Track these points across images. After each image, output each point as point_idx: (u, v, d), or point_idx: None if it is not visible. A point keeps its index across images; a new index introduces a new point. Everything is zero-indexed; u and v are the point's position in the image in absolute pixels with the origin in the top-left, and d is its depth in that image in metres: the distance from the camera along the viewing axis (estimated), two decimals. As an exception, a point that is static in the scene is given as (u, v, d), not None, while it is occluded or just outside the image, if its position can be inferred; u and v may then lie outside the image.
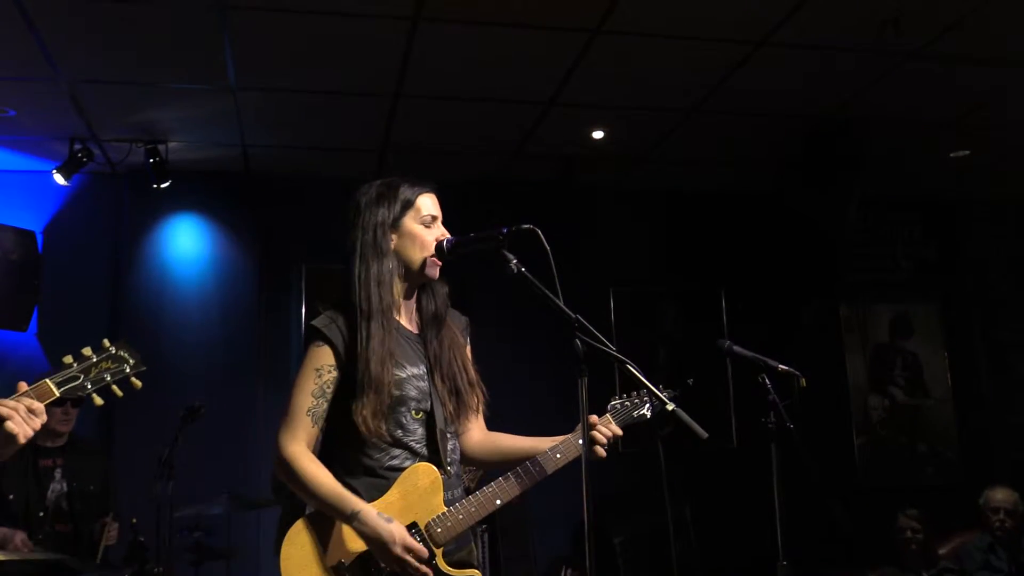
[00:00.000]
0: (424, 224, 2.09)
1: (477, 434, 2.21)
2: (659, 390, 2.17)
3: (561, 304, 1.86)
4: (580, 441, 2.06)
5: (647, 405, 2.20)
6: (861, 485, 5.78)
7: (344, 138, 4.97)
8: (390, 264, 2.06)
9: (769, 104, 4.66)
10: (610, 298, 5.71)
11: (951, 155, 5.45)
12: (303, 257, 5.30)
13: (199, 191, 5.29)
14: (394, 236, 2.08)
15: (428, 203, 2.12)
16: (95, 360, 1.71)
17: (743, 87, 4.41)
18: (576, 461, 2.08)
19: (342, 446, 2.02)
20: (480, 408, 2.19)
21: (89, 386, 1.70)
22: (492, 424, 2.26)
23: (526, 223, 1.95)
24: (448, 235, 2.11)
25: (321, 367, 2.02)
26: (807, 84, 4.43)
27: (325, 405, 2.02)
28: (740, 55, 4.10)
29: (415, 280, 2.13)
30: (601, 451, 2.06)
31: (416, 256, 2.08)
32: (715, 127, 4.92)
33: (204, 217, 5.35)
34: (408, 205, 2.10)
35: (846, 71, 4.30)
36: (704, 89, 4.46)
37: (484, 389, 2.17)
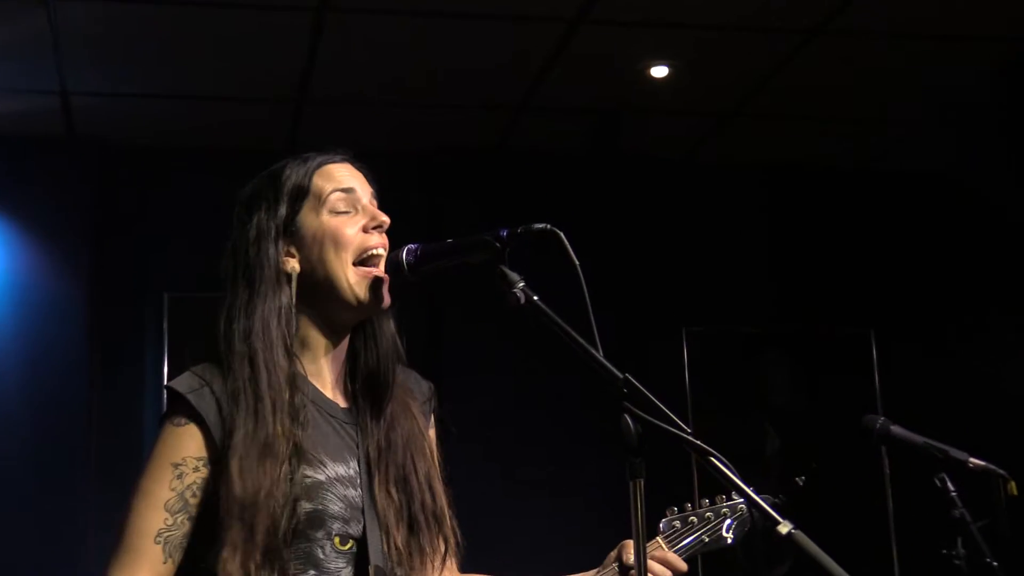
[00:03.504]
0: (334, 211, 2.08)
1: None
2: (766, 502, 2.13)
3: (599, 355, 1.84)
4: None
5: (726, 521, 2.19)
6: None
7: (235, 81, 5.00)
8: (283, 299, 2.03)
9: (946, 21, 4.69)
10: (683, 343, 5.72)
11: None
12: (164, 281, 5.33)
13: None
14: (290, 250, 2.08)
15: (335, 177, 2.10)
16: None
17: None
18: None
19: None
20: (450, 557, 2.16)
21: None
22: (476, 561, 2.25)
23: (540, 221, 1.94)
24: (384, 217, 2.08)
25: (183, 461, 1.98)
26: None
27: (187, 525, 1.97)
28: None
29: (341, 314, 2.09)
30: None
31: (333, 266, 2.04)
32: (856, 57, 4.96)
33: (-2, 213, 5.40)
34: (301, 193, 2.08)
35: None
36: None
37: (457, 529, 2.14)
